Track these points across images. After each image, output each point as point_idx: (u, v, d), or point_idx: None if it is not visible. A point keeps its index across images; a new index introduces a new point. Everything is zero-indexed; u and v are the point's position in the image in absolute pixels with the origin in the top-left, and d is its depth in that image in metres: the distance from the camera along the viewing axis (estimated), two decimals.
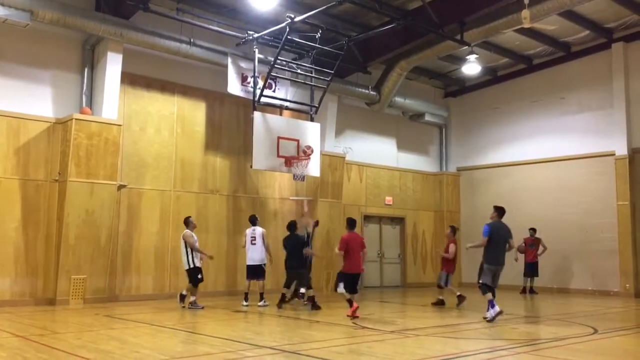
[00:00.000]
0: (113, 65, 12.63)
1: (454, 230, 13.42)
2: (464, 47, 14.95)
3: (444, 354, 6.95)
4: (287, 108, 15.11)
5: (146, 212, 13.50)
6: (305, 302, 11.92)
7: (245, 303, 11.96)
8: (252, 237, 12.28)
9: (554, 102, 17.88)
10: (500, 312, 9.88)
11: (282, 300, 11.70)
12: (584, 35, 16.70)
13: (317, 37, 13.38)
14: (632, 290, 15.61)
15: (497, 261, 10.19)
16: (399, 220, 19.16)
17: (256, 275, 12.21)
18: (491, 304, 9.93)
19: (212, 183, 14.69)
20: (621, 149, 16.18)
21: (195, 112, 14.58)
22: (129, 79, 13.34)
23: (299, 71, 14.65)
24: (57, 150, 12.28)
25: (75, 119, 12.05)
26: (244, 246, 12.39)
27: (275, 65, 13.43)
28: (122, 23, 12.53)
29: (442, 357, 6.73)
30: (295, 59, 15.12)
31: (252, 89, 13.75)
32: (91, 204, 12.15)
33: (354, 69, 16.35)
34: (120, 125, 12.70)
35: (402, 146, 19.35)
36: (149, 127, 13.78)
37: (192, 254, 11.44)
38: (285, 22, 12.43)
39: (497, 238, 10.19)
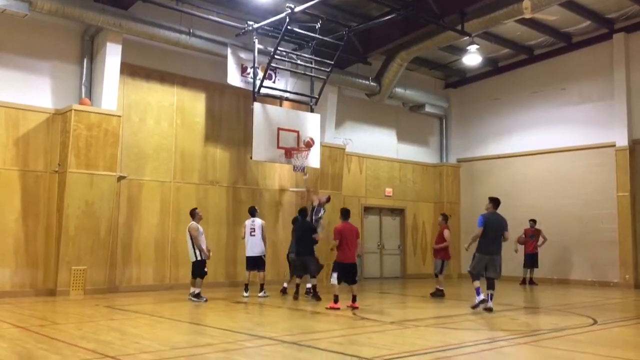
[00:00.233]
0: (112, 56, 12.58)
1: (445, 218, 13.49)
2: (465, 38, 14.89)
3: (444, 344, 6.97)
4: (287, 99, 15.07)
5: (146, 203, 13.50)
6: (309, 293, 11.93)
7: (245, 294, 11.98)
8: (251, 228, 12.27)
9: (555, 93, 17.84)
10: (482, 301, 10.11)
11: (297, 292, 11.75)
12: (585, 26, 16.63)
13: (317, 27, 13.31)
14: (632, 281, 15.64)
15: (490, 251, 10.31)
16: (398, 212, 19.16)
17: (256, 266, 12.22)
18: (477, 292, 10.24)
19: (212, 174, 14.67)
20: (622, 140, 16.16)
21: (195, 103, 14.54)
22: (129, 69, 13.30)
23: (299, 62, 14.60)
24: (57, 141, 12.26)
25: (75, 110, 12.02)
26: (243, 237, 12.39)
27: (275, 56, 13.38)
28: (121, 13, 12.47)
29: (442, 347, 6.74)
30: (295, 50, 15.06)
31: (252, 80, 13.71)
32: (91, 195, 12.14)
33: (354, 60, 16.29)
34: (119, 116, 12.67)
35: (402, 137, 19.32)
36: (149, 118, 13.75)
37: (196, 247, 11.33)
38: (285, 13, 12.37)
39: (491, 228, 10.34)
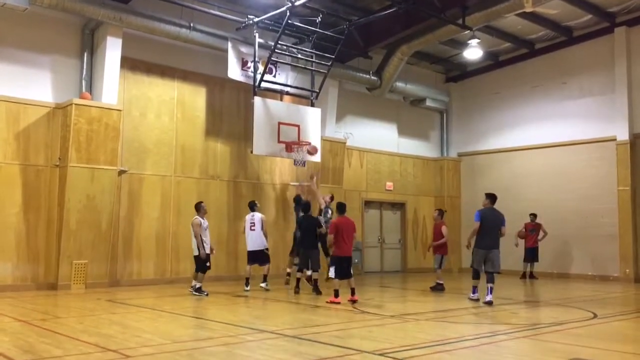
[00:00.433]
0: (113, 50, 12.57)
1: (441, 213, 13.48)
2: (466, 32, 14.85)
3: (444, 338, 6.99)
4: (287, 93, 15.06)
5: (147, 197, 13.51)
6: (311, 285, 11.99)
7: (246, 288, 12.00)
8: (251, 222, 12.29)
9: (556, 87, 17.81)
10: (477, 300, 10.45)
11: (298, 286, 11.78)
12: (587, 20, 16.58)
13: (317, 21, 13.29)
14: (632, 275, 15.66)
15: (486, 245, 10.47)
16: (399, 206, 19.18)
17: (258, 260, 12.25)
18: (473, 290, 10.72)
19: (212, 168, 14.68)
20: (622, 134, 16.14)
21: (195, 98, 14.53)
22: (129, 63, 13.28)
23: (299, 56, 14.58)
24: (57, 135, 12.26)
25: (75, 104, 12.02)
26: (244, 232, 12.41)
27: (276, 50, 13.36)
28: (121, 7, 12.45)
29: (442, 341, 6.77)
30: (295, 44, 15.04)
31: (252, 74, 13.70)
32: (92, 190, 12.16)
33: (354, 54, 16.27)
34: (120, 110, 12.67)
35: (403, 131, 19.31)
36: (149, 112, 13.75)
37: (202, 241, 11.25)
38: (286, 6, 12.35)
39: (487, 223, 10.53)
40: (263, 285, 12.07)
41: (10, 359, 5.51)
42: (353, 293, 10.28)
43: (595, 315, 8.99)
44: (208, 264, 11.34)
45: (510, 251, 16.01)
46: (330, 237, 10.42)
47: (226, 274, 14.41)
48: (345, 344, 6.44)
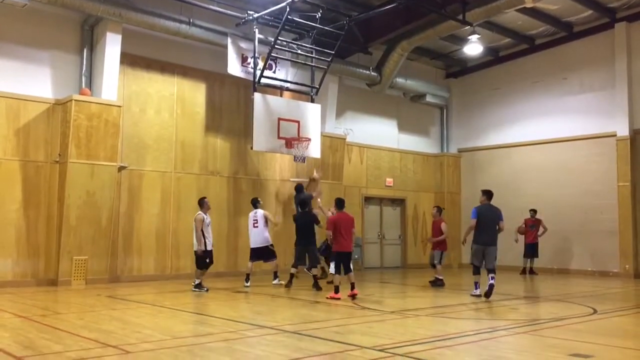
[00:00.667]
0: (112, 46, 12.54)
1: (440, 210, 13.63)
2: (466, 27, 14.82)
3: (444, 333, 7.00)
4: (287, 89, 15.03)
5: (147, 193, 13.51)
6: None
7: (246, 284, 12.01)
8: (254, 219, 12.28)
9: (556, 82, 17.79)
10: (479, 296, 10.45)
11: (291, 281, 11.75)
12: (587, 15, 16.55)
13: (317, 17, 13.25)
14: (632, 270, 15.67)
15: (484, 241, 10.58)
16: (399, 202, 19.18)
17: (263, 257, 12.25)
18: (475, 286, 10.68)
19: (212, 164, 14.67)
20: (622, 130, 16.13)
21: (195, 93, 14.51)
22: (129, 59, 13.26)
23: (299, 52, 14.56)
24: (57, 131, 12.26)
25: (75, 100, 12.00)
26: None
27: (276, 46, 13.34)
28: (120, 3, 12.42)
29: (442, 336, 6.77)
30: (295, 40, 15.01)
31: (252, 70, 13.67)
32: (92, 185, 12.15)
33: (354, 50, 16.24)
34: (120, 106, 12.66)
35: (403, 127, 19.30)
36: (149, 108, 13.73)
37: (204, 237, 11.21)
38: (286, 2, 12.32)
39: (484, 220, 10.62)
40: (275, 282, 12.09)
41: (11, 355, 5.51)
42: (353, 287, 10.29)
43: (595, 311, 9.00)
44: (208, 260, 11.33)
45: (510, 247, 16.04)
46: (328, 233, 10.44)
47: (226, 270, 14.42)
48: (345, 340, 6.45)
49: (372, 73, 16.93)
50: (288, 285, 11.72)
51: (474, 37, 15.59)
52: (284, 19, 12.70)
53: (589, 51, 17.11)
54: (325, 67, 14.39)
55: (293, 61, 14.75)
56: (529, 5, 13.56)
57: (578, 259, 16.96)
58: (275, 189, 15.80)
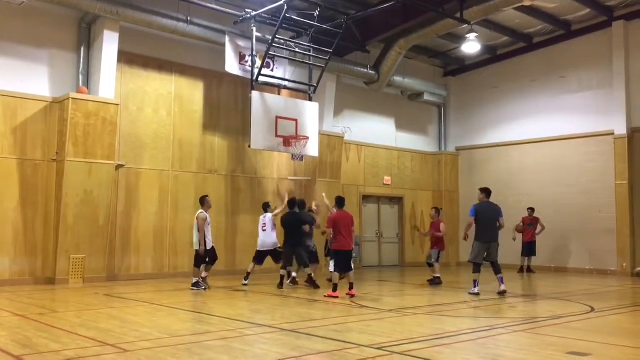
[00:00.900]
0: (110, 44, 12.52)
1: (438, 211, 13.88)
2: (464, 26, 14.83)
3: (442, 332, 7.00)
4: (285, 87, 15.02)
5: (145, 192, 13.50)
6: (305, 283, 11.90)
7: (245, 282, 12.00)
8: (262, 223, 12.26)
9: (554, 81, 17.80)
10: (477, 294, 10.54)
11: (282, 282, 11.70)
12: (585, 14, 16.56)
13: (315, 15, 13.24)
14: (629, 269, 15.69)
15: (487, 238, 10.79)
16: (397, 200, 19.19)
17: (272, 258, 12.21)
18: (474, 284, 10.73)
19: (210, 163, 14.66)
20: (620, 129, 16.15)
21: (193, 92, 14.50)
22: (126, 58, 13.24)
23: (297, 50, 14.54)
24: (55, 129, 12.23)
25: (72, 98, 11.98)
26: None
27: (274, 44, 13.32)
28: (118, 1, 12.40)
29: (440, 335, 6.78)
30: (293, 38, 14.99)
31: (250, 68, 13.66)
32: (89, 184, 12.14)
33: (352, 48, 16.23)
34: (117, 104, 12.64)
35: (400, 126, 19.30)
36: (147, 106, 13.71)
37: (205, 236, 11.16)
38: (283, 0, 12.29)
39: (484, 217, 10.81)
40: (289, 283, 12.03)
41: (9, 354, 5.50)
42: (351, 287, 10.29)
43: (592, 309, 9.01)
44: (207, 259, 11.30)
45: (508, 245, 16.04)
46: (329, 231, 10.43)
47: (224, 268, 14.40)
48: (343, 338, 6.45)
49: (370, 71, 16.93)
50: (280, 286, 11.65)
51: (471, 36, 15.58)
52: (281, 17, 12.68)
53: (586, 50, 17.12)
54: (323, 66, 14.38)
55: (291, 59, 14.74)
56: (526, 3, 13.57)
57: (576, 258, 16.98)
58: (273, 187, 15.79)
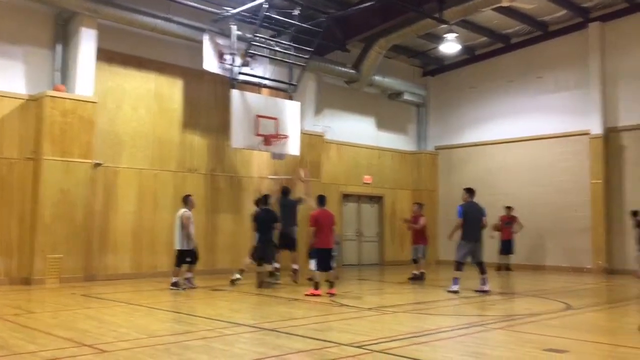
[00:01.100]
0: (87, 42, 12.38)
1: (420, 206, 14.14)
2: (443, 26, 14.94)
3: (421, 330, 7.05)
4: (265, 86, 14.98)
5: (123, 190, 13.36)
6: (295, 280, 12.01)
7: (238, 276, 11.93)
8: None
9: (531, 81, 18.02)
10: (457, 292, 10.63)
11: (262, 280, 11.68)
12: (562, 15, 16.80)
13: (295, 14, 13.22)
14: (604, 266, 15.94)
15: (473, 238, 10.94)
16: (377, 199, 19.26)
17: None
18: (454, 282, 10.81)
19: (190, 162, 14.56)
20: (596, 128, 16.40)
21: (172, 90, 14.38)
22: (105, 55, 13.08)
23: (277, 49, 14.51)
24: (31, 127, 12.04)
25: (49, 96, 11.81)
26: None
27: (253, 43, 13.29)
28: None
29: (419, 333, 6.82)
30: (273, 36, 14.95)
31: (229, 66, 13.60)
32: (66, 183, 11.98)
33: (333, 47, 16.25)
34: (95, 102, 12.49)
35: (381, 125, 19.38)
36: (125, 104, 13.57)
37: (187, 236, 11.14)
38: None
39: (471, 216, 10.97)
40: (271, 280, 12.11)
41: None
42: (331, 286, 10.31)
43: (569, 307, 9.14)
44: (189, 259, 11.29)
45: (486, 244, 16.15)
46: (310, 229, 10.42)
47: (204, 268, 14.28)
48: (324, 337, 6.46)
49: (351, 71, 16.96)
50: (260, 285, 11.62)
51: (450, 36, 15.69)
52: (261, 15, 12.64)
53: (563, 50, 17.36)
54: (304, 65, 14.37)
55: (271, 58, 14.69)
56: (505, 4, 13.71)
57: (552, 256, 17.22)
58: (254, 186, 15.73)
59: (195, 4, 13.26)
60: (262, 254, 11.70)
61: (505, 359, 5.63)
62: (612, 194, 16.25)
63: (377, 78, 17.93)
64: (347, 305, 9.15)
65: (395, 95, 19.39)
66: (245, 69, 13.74)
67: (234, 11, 13.17)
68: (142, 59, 13.81)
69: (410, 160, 20.12)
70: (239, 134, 13.38)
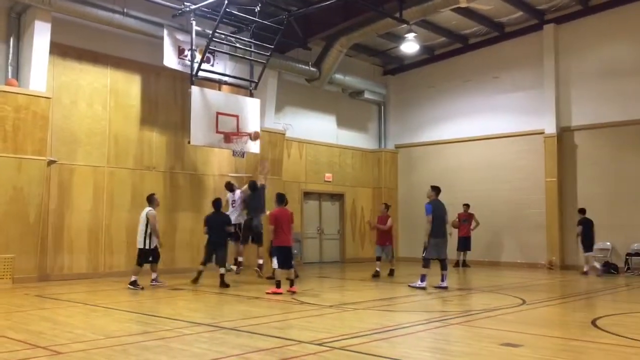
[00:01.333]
0: (41, 35, 12.03)
1: (387, 207, 14.53)
2: (403, 25, 15.09)
3: (381, 326, 7.11)
4: (226, 83, 14.85)
5: (78, 188, 13.05)
6: (260, 275, 12.09)
7: (235, 267, 12.24)
8: (232, 200, 12.66)
9: (488, 81, 18.38)
10: (424, 288, 10.87)
11: (198, 278, 11.61)
12: (518, 16, 17.18)
13: (256, 10, 13.15)
14: (558, 262, 16.40)
15: (440, 234, 11.21)
16: (338, 197, 19.33)
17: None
18: (421, 278, 10.96)
19: (148, 159, 14.32)
20: (550, 128, 16.85)
21: (129, 86, 14.11)
22: (59, 49, 12.75)
23: (238, 45, 14.40)
24: None
25: (1, 91, 11.44)
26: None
27: (214, 39, 13.15)
28: None
29: (379, 329, 6.88)
30: (234, 33, 14.84)
31: (189, 63, 13.44)
32: (19, 180, 11.63)
33: (294, 45, 16.22)
34: (49, 98, 12.16)
35: (341, 123, 19.45)
36: (81, 100, 13.25)
37: (150, 235, 11.06)
38: None
39: (438, 214, 11.18)
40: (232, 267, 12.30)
41: None
42: (292, 284, 10.32)
43: (524, 302, 9.37)
44: (151, 258, 11.26)
45: None
46: (270, 228, 10.42)
47: (163, 266, 14.04)
48: (285, 335, 6.45)
49: (312, 68, 16.96)
50: (195, 281, 11.60)
51: (410, 35, 15.88)
52: (222, 11, 12.53)
53: (519, 51, 17.76)
54: (265, 62, 14.30)
55: (231, 55, 14.57)
56: (463, 5, 13.94)
57: (508, 252, 17.62)
58: (214, 184, 15.58)
59: None
60: (207, 255, 11.70)
61: (463, 354, 5.73)
62: (565, 192, 16.71)
63: (338, 76, 17.98)
64: (308, 303, 9.16)
65: (356, 93, 19.49)
66: (205, 66, 13.58)
67: (194, 7, 13.00)
68: (97, 53, 13.51)
69: (370, 158, 20.27)
70: (198, 131, 13.23)
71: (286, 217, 10.55)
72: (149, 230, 11.06)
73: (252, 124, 14.32)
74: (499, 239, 17.82)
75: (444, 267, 11.19)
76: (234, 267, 12.28)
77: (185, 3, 13.14)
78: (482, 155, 18.30)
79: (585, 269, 14.82)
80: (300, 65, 16.74)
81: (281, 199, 10.76)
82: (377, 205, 19.68)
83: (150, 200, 11.40)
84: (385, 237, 13.91)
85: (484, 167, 18.21)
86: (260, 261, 12.43)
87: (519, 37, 17.72)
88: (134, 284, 10.89)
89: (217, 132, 13.58)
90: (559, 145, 16.75)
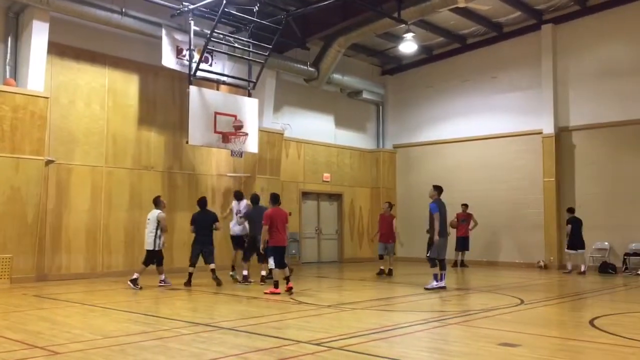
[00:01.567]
0: (39, 35, 12.01)
1: (391, 205, 14.63)
2: (401, 25, 15.10)
3: (379, 326, 7.11)
4: (224, 83, 14.85)
5: (76, 188, 13.03)
6: (249, 282, 11.91)
7: (230, 273, 12.24)
8: (237, 210, 12.47)
9: (486, 81, 18.39)
10: (443, 287, 10.92)
11: (190, 280, 11.55)
12: (516, 16, 17.20)
13: (255, 10, 13.14)
14: (556, 262, 16.42)
15: (445, 234, 11.37)
16: (336, 197, 19.33)
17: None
18: (435, 278, 11.03)
19: (146, 159, 14.31)
20: (548, 128, 16.86)
21: (128, 85, 14.10)
22: (57, 49, 12.73)
23: (236, 45, 14.40)
24: None
25: None
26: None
27: (212, 39, 13.15)
28: None
29: (377, 329, 6.88)
30: (232, 33, 14.84)
31: (187, 63, 13.43)
32: (17, 180, 11.62)
33: (292, 45, 16.22)
34: (47, 97, 12.15)
35: (340, 123, 19.45)
36: (79, 100, 13.24)
37: (160, 236, 11.12)
38: None
39: (443, 213, 11.26)
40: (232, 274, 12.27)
41: None
42: (288, 281, 10.33)
43: (522, 302, 9.37)
44: (156, 260, 11.30)
45: None
46: (265, 228, 10.42)
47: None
48: (283, 335, 6.45)
49: (310, 68, 16.96)
50: (187, 284, 11.51)
51: (408, 35, 15.87)
52: (220, 11, 12.52)
53: (517, 51, 17.78)
54: (263, 62, 14.30)
55: (230, 54, 14.57)
56: (461, 5, 13.95)
57: (506, 252, 17.64)
58: (212, 184, 15.58)
59: None
60: (194, 255, 11.72)
61: (461, 354, 5.73)
62: (563, 192, 16.74)
63: (336, 76, 17.99)
64: (306, 303, 9.16)
65: (354, 93, 19.50)
66: (203, 65, 13.58)
67: (192, 7, 12.99)
68: (95, 53, 13.49)
69: (369, 158, 20.27)
70: (196, 131, 13.23)
71: (280, 217, 10.55)
72: (159, 232, 11.11)
73: (251, 123, 14.32)
74: (497, 239, 17.84)
75: (443, 267, 11.21)
76: (238, 277, 12.08)
77: (183, 3, 13.14)
78: (480, 155, 18.32)
79: (582, 269, 14.86)
80: (298, 65, 16.74)
81: (275, 198, 10.78)
82: (375, 205, 19.73)
83: (157, 202, 11.42)
84: (388, 235, 14.06)
85: (482, 167, 18.23)
86: (264, 272, 12.16)
87: (517, 37, 17.74)
88: (134, 282, 10.89)
89: (215, 132, 13.58)
90: (557, 145, 16.77)
